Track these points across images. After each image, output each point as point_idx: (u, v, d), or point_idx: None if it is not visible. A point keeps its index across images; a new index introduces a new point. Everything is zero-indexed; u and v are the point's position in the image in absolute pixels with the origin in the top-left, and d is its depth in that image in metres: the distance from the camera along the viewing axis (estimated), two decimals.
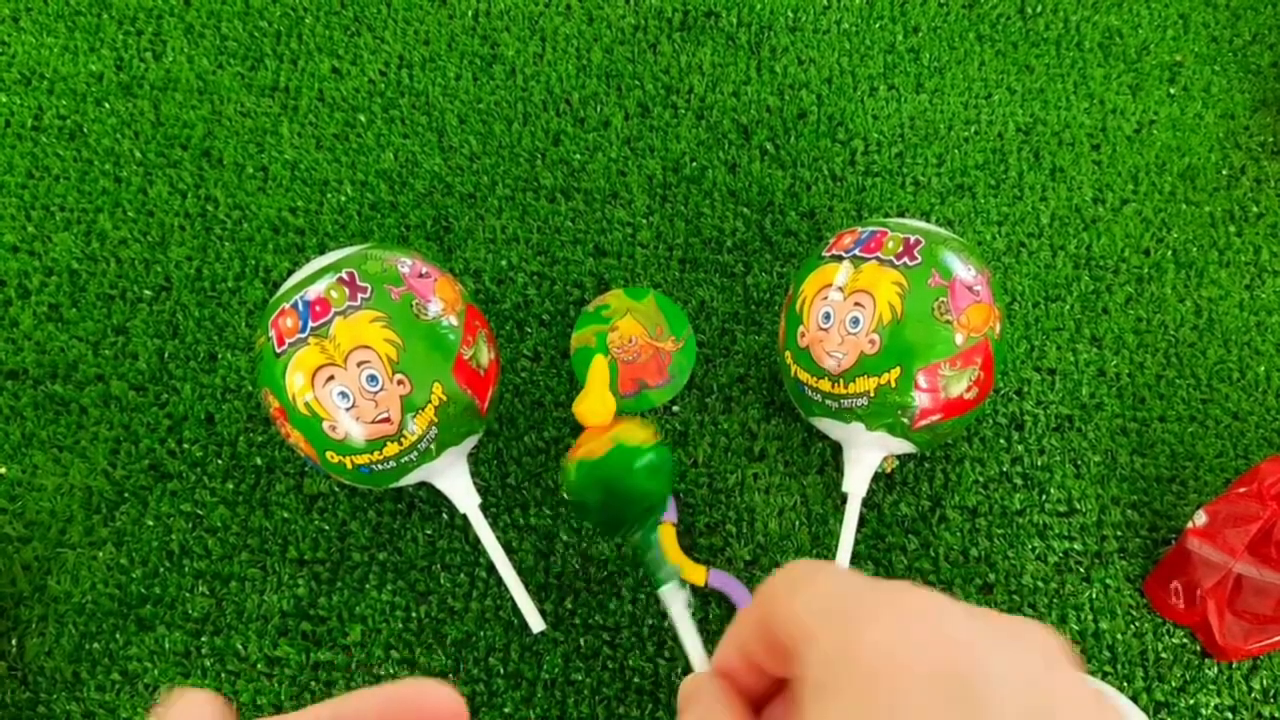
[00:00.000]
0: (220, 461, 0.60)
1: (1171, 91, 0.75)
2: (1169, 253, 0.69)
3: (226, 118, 0.72)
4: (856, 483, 0.56)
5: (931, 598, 0.18)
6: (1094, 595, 0.58)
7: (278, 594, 0.57)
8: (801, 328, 0.55)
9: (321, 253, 0.65)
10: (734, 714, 0.21)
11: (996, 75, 0.75)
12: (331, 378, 0.48)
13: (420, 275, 0.52)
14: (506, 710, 0.54)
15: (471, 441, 0.54)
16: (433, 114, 0.73)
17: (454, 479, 0.54)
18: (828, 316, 0.53)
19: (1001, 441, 0.62)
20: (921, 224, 0.56)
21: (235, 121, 0.72)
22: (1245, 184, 0.72)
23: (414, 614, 0.57)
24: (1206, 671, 0.56)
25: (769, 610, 0.20)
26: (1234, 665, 0.56)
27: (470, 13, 0.77)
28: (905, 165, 0.71)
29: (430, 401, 0.50)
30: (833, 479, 0.61)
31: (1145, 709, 0.55)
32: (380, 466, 0.51)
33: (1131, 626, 0.57)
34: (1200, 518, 0.56)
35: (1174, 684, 0.55)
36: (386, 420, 0.49)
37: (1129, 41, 0.77)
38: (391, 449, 0.50)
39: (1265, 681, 0.55)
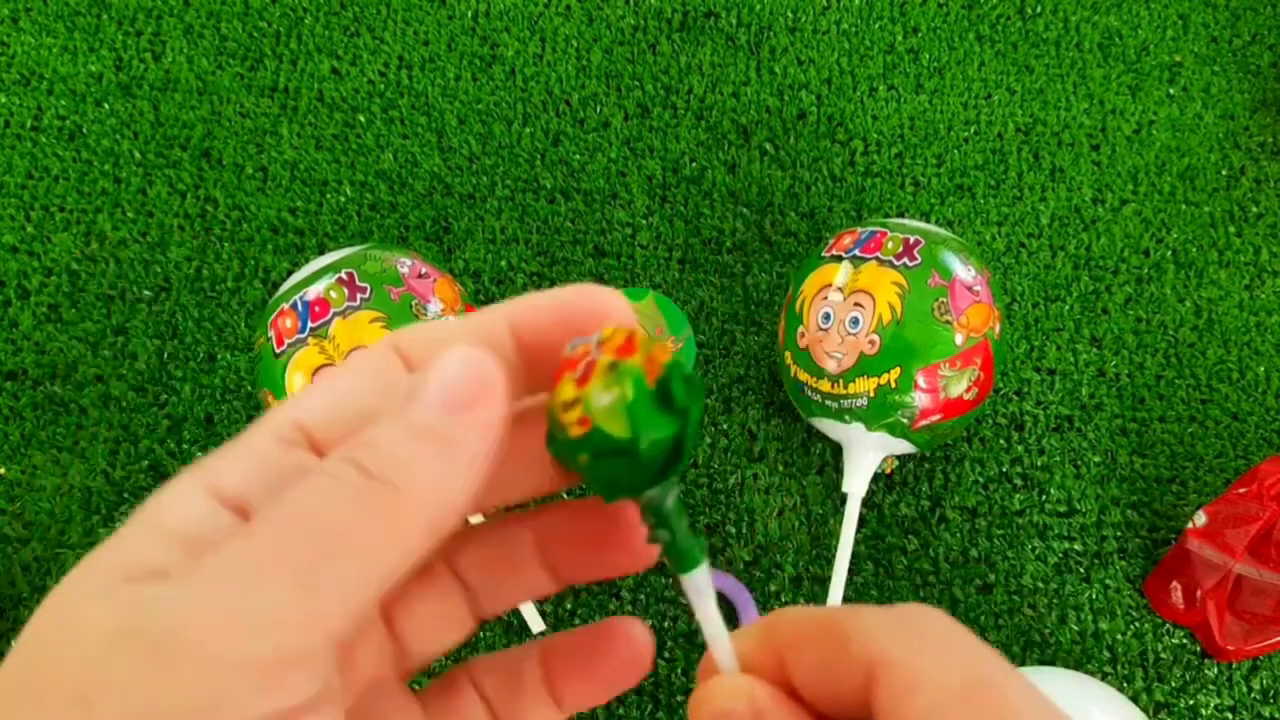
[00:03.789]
0: None
1: (1171, 92, 0.75)
2: (1169, 253, 0.69)
3: (226, 118, 0.72)
4: (856, 483, 0.56)
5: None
6: (1094, 596, 0.58)
7: None
8: (801, 328, 0.55)
9: (321, 253, 0.65)
10: None
11: (996, 76, 0.75)
12: None
13: (420, 276, 0.52)
14: None
15: None
16: (432, 114, 0.73)
17: None
18: (827, 317, 0.53)
19: (1001, 442, 0.62)
20: (921, 224, 0.56)
21: (235, 122, 0.72)
22: (1245, 184, 0.72)
23: None
24: (1206, 672, 0.56)
25: (871, 646, 0.17)
26: (1234, 666, 0.56)
27: (470, 13, 0.77)
28: (905, 166, 0.71)
29: None
30: (833, 479, 0.61)
31: (1145, 709, 0.55)
32: None
33: (1131, 627, 0.57)
34: (1200, 518, 0.56)
35: (1174, 684, 0.55)
36: None
37: (1129, 42, 0.77)
38: None
39: (1265, 682, 0.55)
